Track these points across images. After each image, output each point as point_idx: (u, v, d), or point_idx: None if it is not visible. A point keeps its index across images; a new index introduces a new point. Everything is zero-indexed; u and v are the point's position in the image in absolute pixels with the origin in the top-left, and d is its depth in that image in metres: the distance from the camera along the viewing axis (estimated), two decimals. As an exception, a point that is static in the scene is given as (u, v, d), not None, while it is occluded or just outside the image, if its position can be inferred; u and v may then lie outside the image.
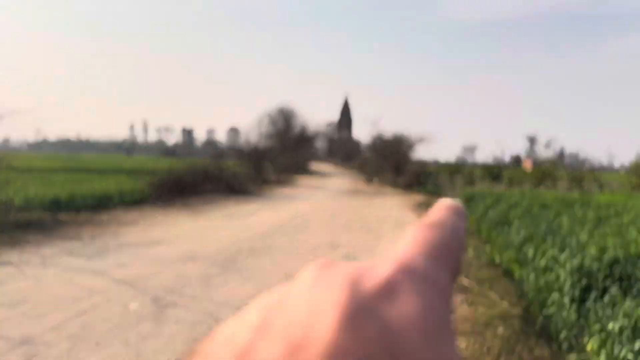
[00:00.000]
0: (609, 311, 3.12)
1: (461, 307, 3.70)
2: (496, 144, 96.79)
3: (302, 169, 31.05)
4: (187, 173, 12.17)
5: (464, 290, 4.20)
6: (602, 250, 4.34)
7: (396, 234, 6.91)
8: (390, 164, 20.59)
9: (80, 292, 3.78)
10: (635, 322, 2.84)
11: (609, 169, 72.30)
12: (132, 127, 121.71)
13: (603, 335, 2.83)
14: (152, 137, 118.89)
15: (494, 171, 25.57)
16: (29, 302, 3.53)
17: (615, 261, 4.01)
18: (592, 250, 4.30)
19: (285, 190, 15.93)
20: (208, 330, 3.04)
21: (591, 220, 6.66)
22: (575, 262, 3.96)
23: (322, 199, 13.30)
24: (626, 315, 2.97)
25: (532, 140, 74.76)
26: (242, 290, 3.94)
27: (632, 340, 2.70)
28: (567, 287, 3.57)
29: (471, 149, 60.66)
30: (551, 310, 3.41)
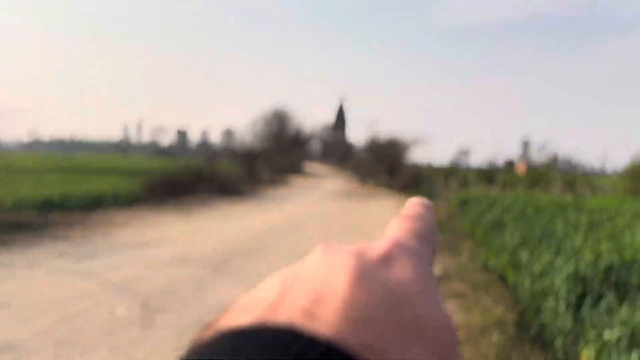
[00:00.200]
0: (605, 318, 3.09)
1: (456, 314, 3.66)
2: (493, 144, 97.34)
3: (296, 171, 31.04)
4: (181, 174, 12.10)
5: (459, 295, 4.16)
6: (598, 255, 4.32)
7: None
8: (385, 167, 20.60)
9: (69, 295, 3.71)
10: (633, 331, 2.81)
11: (600, 174, 72.72)
12: (126, 128, 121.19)
13: (599, 343, 2.80)
14: (146, 137, 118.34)
15: (488, 174, 25.63)
16: (16, 305, 3.45)
17: (610, 267, 3.99)
18: (587, 256, 4.28)
19: (279, 192, 15.87)
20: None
21: (585, 225, 6.65)
22: (570, 267, 3.94)
23: (316, 200, 13.24)
24: (622, 323, 2.94)
25: (525, 144, 75.02)
26: (234, 294, 3.88)
27: (629, 349, 2.67)
28: (562, 293, 3.54)
29: (465, 153, 60.88)
30: (546, 316, 3.38)
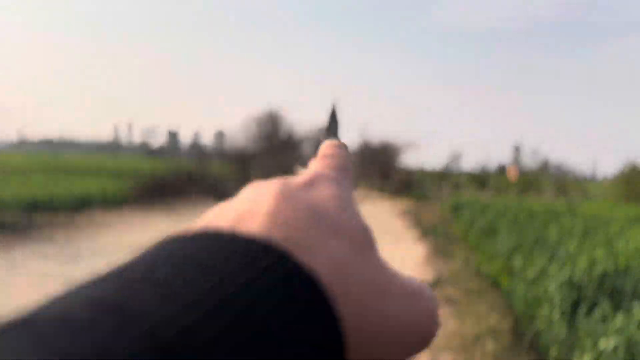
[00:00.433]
0: (600, 327, 3.02)
1: (449, 322, 3.57)
2: (485, 148, 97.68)
3: (288, 173, 30.88)
4: (170, 175, 11.94)
5: (452, 302, 4.07)
6: (592, 262, 4.26)
7: (384, 242, 6.77)
8: (377, 170, 20.56)
9: (49, 300, 3.58)
10: (629, 340, 2.74)
11: (591, 179, 73.28)
12: (116, 128, 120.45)
13: (595, 352, 2.72)
14: (137, 138, 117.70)
15: (480, 179, 25.69)
16: (-7, 310, 3.32)
17: (604, 274, 3.92)
18: (582, 263, 4.21)
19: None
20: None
21: (578, 230, 6.61)
22: (565, 274, 3.87)
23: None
24: (618, 331, 2.87)
25: (517, 149, 75.46)
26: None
27: (625, 359, 2.60)
28: (556, 301, 3.47)
29: (457, 157, 61.15)
30: (540, 324, 3.30)
